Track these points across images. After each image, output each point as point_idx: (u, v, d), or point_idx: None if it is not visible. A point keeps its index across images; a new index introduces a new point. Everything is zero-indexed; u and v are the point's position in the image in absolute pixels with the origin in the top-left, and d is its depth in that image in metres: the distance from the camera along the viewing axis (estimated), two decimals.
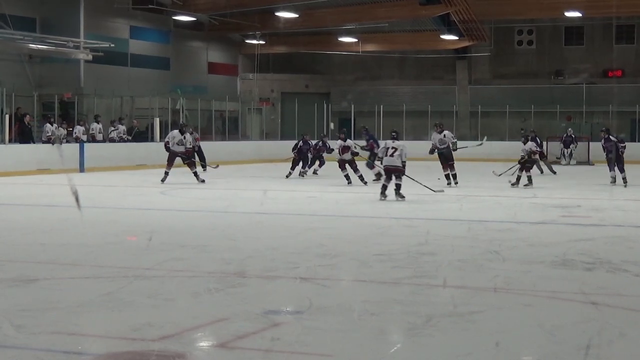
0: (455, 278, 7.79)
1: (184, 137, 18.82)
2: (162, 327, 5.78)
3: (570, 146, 29.86)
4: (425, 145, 20.34)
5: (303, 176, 21.13)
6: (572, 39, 36.20)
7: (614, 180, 18.73)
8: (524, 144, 18.87)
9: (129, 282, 7.57)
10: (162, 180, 18.50)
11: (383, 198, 15.00)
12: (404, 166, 15.05)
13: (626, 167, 18.71)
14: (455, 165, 18.71)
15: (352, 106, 36.27)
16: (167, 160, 18.72)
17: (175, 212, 14.03)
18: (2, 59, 26.96)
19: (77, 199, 13.35)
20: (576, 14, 32.07)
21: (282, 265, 8.47)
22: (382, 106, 35.40)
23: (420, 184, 16.18)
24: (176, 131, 19.15)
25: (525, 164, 18.54)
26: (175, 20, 33.57)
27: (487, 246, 9.74)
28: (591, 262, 8.64)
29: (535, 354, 5.34)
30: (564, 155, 29.80)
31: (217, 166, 22.07)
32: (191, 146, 19.62)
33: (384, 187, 15.15)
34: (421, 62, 37.62)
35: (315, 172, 21.92)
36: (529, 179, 18.34)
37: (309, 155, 21.48)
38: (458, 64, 37.49)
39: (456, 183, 18.35)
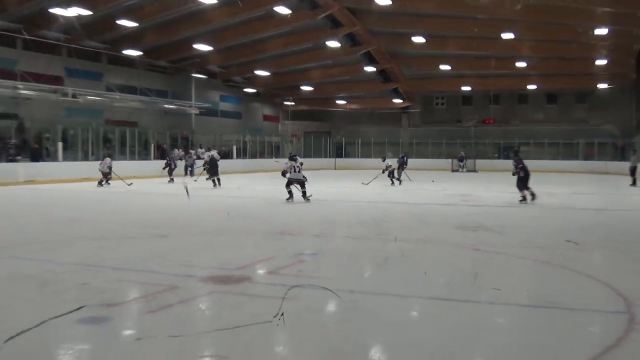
0: (402, 235, 7.79)
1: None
2: (238, 262, 5.78)
3: (463, 161, 30.17)
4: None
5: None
6: (466, 102, 35.95)
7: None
8: (383, 161, 17.58)
9: (219, 236, 7.58)
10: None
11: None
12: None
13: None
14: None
15: (344, 139, 36.31)
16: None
17: (242, 198, 13.92)
18: (150, 113, 26.99)
19: (187, 191, 13.20)
20: (468, 88, 32.15)
21: (304, 228, 8.46)
22: (360, 139, 35.46)
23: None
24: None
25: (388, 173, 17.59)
26: (245, 91, 33.62)
27: (418, 217, 9.72)
28: (476, 226, 8.60)
29: (445, 279, 5.29)
30: (460, 167, 30.10)
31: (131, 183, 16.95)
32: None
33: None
34: (382, 114, 37.49)
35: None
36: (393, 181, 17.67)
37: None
38: (402, 116, 37.27)
39: None
